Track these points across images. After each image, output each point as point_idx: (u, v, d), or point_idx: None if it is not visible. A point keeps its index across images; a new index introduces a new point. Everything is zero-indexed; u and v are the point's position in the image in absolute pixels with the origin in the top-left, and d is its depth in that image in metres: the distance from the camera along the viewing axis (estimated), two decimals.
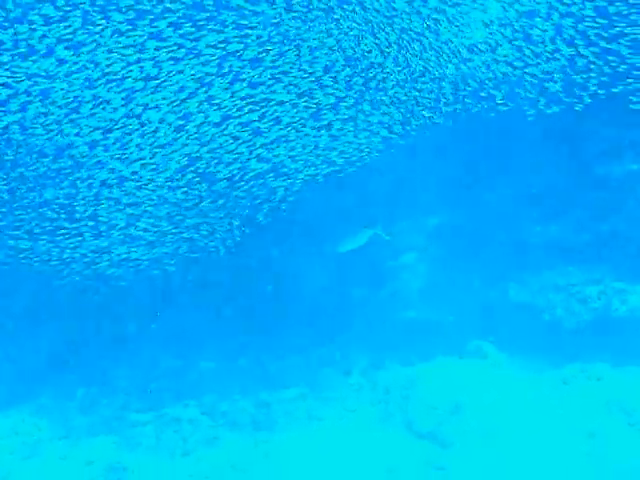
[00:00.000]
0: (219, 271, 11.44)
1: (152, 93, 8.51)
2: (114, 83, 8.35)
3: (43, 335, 11.96)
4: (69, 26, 7.83)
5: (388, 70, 9.08)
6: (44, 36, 7.83)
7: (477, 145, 11.02)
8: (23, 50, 7.89)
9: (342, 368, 11.18)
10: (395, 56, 8.98)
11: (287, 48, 8.64)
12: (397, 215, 11.87)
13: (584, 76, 8.87)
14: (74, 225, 9.48)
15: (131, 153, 8.91)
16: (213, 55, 8.39)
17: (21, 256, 9.74)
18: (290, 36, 8.59)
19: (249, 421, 10.28)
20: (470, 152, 11.14)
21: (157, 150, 8.96)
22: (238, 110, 8.82)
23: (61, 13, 7.75)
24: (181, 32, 8.14)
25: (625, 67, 8.65)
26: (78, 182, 9.13)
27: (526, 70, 9.10)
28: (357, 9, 8.56)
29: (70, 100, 8.38)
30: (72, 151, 8.82)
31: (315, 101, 9.02)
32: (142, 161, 9.00)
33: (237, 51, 8.43)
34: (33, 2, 7.62)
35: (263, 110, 8.92)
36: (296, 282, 11.99)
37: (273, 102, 8.91)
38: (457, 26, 8.87)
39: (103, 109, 8.51)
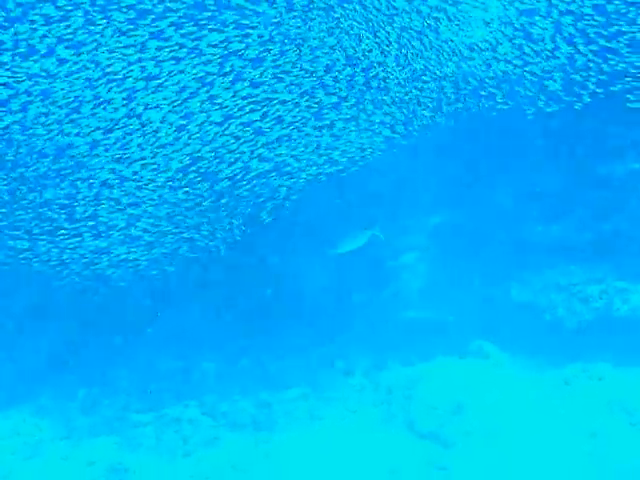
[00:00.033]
0: (220, 271, 11.43)
1: (153, 93, 8.50)
2: (115, 83, 8.32)
3: (43, 335, 11.93)
4: (69, 26, 7.82)
5: (389, 69, 9.06)
6: (45, 36, 7.80)
7: (478, 144, 11.01)
8: (24, 50, 7.86)
9: (343, 368, 11.17)
10: (396, 55, 8.97)
11: (288, 47, 8.63)
12: (398, 214, 11.84)
13: (583, 74, 8.86)
14: (74, 225, 9.45)
15: (132, 153, 8.89)
16: (214, 55, 8.38)
17: (21, 256, 9.71)
18: (291, 35, 8.58)
19: (250, 421, 10.26)
20: (471, 151, 11.13)
21: (158, 150, 8.94)
22: (240, 110, 8.81)
23: (62, 13, 7.73)
24: (182, 32, 8.12)
25: (624, 65, 8.65)
26: (78, 182, 9.10)
27: (526, 69, 9.09)
28: (357, 8, 8.55)
29: (71, 100, 8.36)
30: (72, 151, 8.79)
31: (317, 100, 9.01)
32: (143, 161, 8.97)
33: (238, 50, 8.42)
34: (34, 2, 7.60)
35: (265, 110, 8.91)
36: (297, 282, 11.97)
37: (275, 101, 8.90)
38: (457, 25, 8.86)
39: (104, 109, 8.49)
